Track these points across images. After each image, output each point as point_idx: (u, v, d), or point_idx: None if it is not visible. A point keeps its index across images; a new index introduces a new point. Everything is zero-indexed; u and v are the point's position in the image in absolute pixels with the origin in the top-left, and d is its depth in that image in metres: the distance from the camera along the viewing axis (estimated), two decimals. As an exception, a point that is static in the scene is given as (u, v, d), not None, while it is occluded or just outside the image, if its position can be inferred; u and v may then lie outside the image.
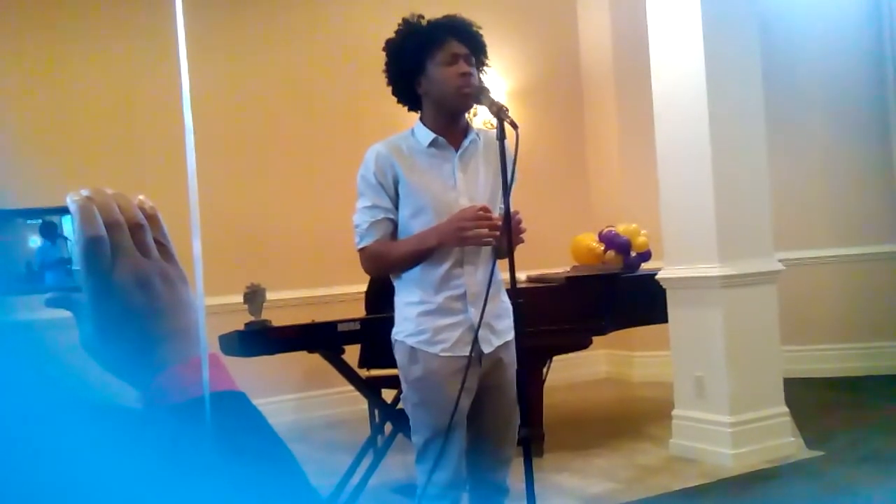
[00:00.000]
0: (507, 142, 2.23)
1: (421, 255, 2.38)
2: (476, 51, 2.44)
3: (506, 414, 2.45)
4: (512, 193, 2.23)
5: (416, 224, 2.39)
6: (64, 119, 5.21)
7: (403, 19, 2.45)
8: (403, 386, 2.45)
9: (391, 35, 2.48)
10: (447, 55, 2.37)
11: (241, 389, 0.63)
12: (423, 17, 2.44)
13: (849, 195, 6.16)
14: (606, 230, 5.05)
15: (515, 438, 2.39)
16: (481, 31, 2.47)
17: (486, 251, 2.41)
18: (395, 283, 2.50)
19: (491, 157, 2.41)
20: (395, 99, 2.52)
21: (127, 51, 5.38)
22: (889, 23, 6.13)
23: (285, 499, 0.56)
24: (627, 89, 6.45)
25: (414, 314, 2.40)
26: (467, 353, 2.30)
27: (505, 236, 2.21)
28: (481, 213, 2.28)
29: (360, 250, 2.43)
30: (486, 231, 2.27)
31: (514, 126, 2.18)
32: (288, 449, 0.60)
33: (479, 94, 2.36)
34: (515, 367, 2.42)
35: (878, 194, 6.16)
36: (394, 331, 2.46)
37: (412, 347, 2.39)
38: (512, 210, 2.33)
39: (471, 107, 2.47)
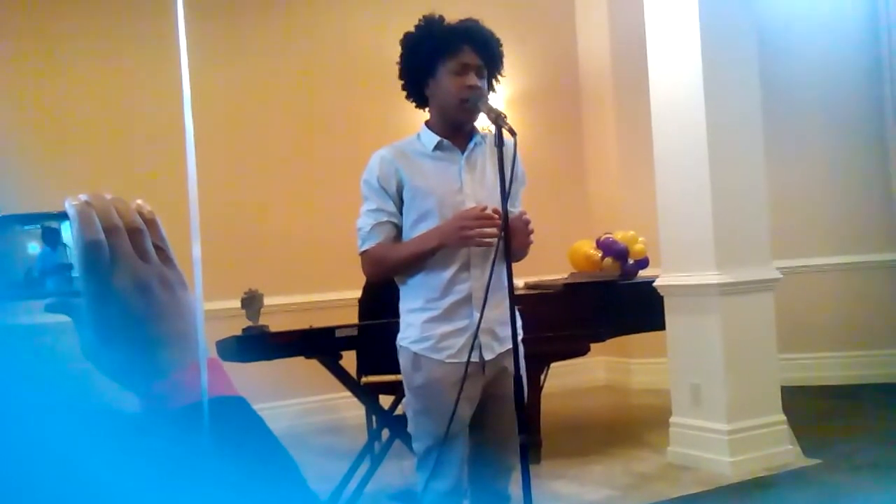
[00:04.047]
0: (505, 148, 2.19)
1: (423, 257, 2.33)
2: (490, 62, 2.40)
3: (509, 422, 2.39)
4: (516, 197, 2.22)
5: (421, 229, 2.35)
6: (64, 124, 5.21)
7: (424, 17, 2.40)
8: (406, 392, 2.42)
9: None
10: (458, 64, 2.33)
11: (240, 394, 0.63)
12: (443, 18, 2.39)
13: (846, 203, 6.17)
14: (604, 237, 5.05)
15: (518, 447, 2.37)
16: (500, 42, 2.42)
17: (493, 255, 2.36)
18: (401, 289, 2.45)
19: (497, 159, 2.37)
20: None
21: (128, 56, 5.39)
22: (887, 32, 6.14)
23: (285, 503, 0.56)
24: (625, 97, 6.46)
25: (419, 321, 2.36)
26: (473, 360, 2.28)
27: (507, 240, 2.17)
28: (484, 212, 2.25)
29: (362, 254, 2.40)
30: (488, 231, 2.24)
31: (513, 133, 2.16)
32: (288, 454, 0.60)
33: (477, 102, 2.32)
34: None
35: (875, 203, 6.17)
36: (398, 336, 2.44)
37: (416, 354, 2.36)
38: (519, 210, 2.32)
39: (472, 121, 2.43)
